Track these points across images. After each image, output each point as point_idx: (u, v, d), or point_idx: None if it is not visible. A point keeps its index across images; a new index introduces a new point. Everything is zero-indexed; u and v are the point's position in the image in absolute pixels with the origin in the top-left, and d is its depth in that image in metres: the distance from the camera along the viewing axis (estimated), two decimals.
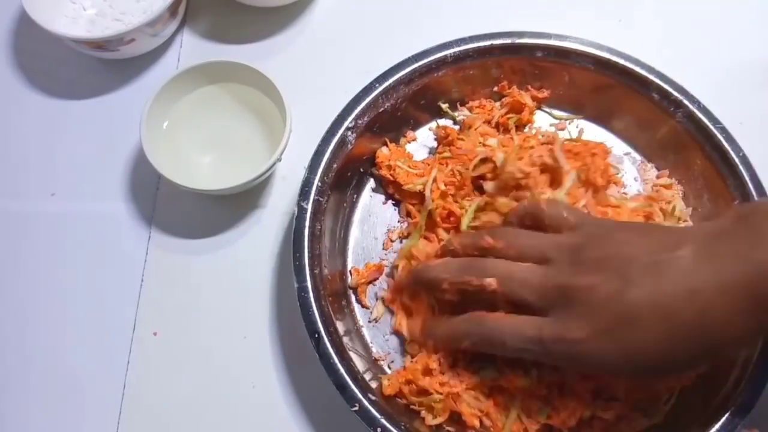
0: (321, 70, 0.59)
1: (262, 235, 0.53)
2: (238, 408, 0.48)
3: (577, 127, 0.55)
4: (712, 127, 0.50)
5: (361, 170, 0.53)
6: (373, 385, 0.45)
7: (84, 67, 0.59)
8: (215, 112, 0.54)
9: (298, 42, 0.60)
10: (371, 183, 0.54)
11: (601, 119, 0.55)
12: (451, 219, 0.49)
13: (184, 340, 0.50)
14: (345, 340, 0.46)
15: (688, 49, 0.59)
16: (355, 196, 0.53)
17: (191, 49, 0.60)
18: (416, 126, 0.55)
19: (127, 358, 0.49)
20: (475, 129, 0.53)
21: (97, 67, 0.59)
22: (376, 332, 0.49)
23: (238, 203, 0.54)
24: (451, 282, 0.43)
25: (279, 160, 0.51)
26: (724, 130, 0.49)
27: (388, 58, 0.52)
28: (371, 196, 0.53)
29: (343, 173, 0.50)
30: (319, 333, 0.44)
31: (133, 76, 0.59)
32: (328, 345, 0.44)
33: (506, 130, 0.54)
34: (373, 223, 0.53)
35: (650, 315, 0.36)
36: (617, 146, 0.54)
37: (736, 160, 0.49)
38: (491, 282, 0.41)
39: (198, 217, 0.54)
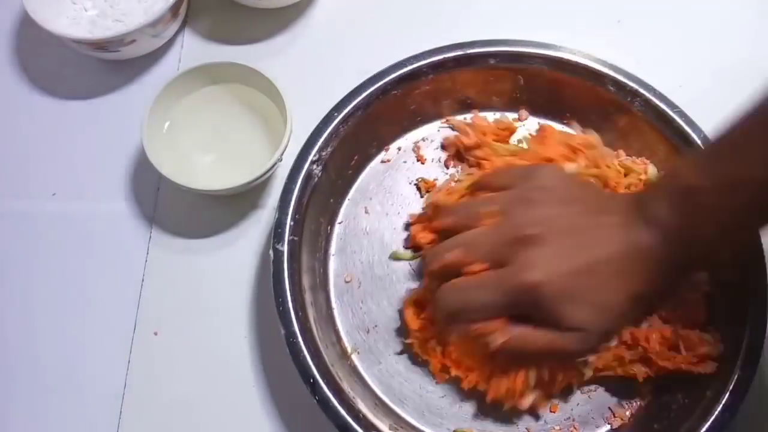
0: (321, 71, 0.59)
1: (263, 235, 0.53)
2: (238, 408, 0.48)
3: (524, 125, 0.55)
4: (670, 112, 0.50)
5: (331, 200, 0.52)
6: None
7: (85, 67, 0.59)
8: (216, 112, 0.54)
9: (299, 43, 0.61)
10: (343, 210, 0.53)
11: (561, 117, 0.55)
12: None
13: (185, 340, 0.50)
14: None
15: (676, 54, 0.60)
16: (329, 227, 0.52)
17: (192, 49, 0.60)
18: (383, 144, 0.55)
19: (127, 357, 0.49)
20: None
21: (98, 67, 0.59)
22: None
23: (238, 203, 0.54)
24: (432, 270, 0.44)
25: (280, 160, 0.51)
26: (682, 114, 0.50)
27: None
28: (345, 225, 0.53)
29: (315, 207, 0.50)
30: (314, 378, 0.43)
31: (135, 77, 0.59)
32: (325, 389, 0.43)
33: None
34: (351, 252, 0.52)
35: (591, 268, 0.40)
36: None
37: (698, 141, 0.49)
38: (455, 254, 0.42)
39: (199, 217, 0.54)
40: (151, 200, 0.54)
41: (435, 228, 0.48)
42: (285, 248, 0.46)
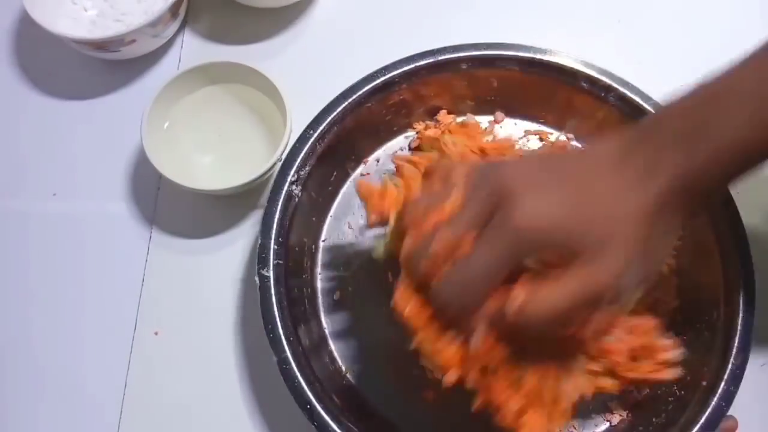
0: (321, 71, 0.59)
1: None
2: (239, 407, 0.48)
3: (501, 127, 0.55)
4: (645, 105, 0.50)
5: (314, 219, 0.52)
6: None
7: (85, 67, 0.59)
8: (216, 112, 0.54)
9: (298, 43, 0.61)
10: (326, 228, 0.52)
11: (536, 116, 0.55)
12: None
13: (185, 340, 0.50)
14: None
15: (677, 53, 0.60)
16: (314, 246, 0.52)
17: (192, 49, 0.60)
18: (361, 157, 0.54)
19: (128, 357, 0.50)
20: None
21: (98, 67, 0.59)
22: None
23: (238, 203, 0.54)
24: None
25: (280, 160, 0.51)
26: (658, 106, 0.49)
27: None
28: (330, 243, 0.52)
29: (297, 227, 0.49)
30: (311, 404, 0.42)
31: (134, 77, 0.59)
32: (323, 413, 0.42)
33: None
34: (338, 270, 0.51)
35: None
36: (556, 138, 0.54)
37: None
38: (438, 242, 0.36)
39: (199, 217, 0.54)
40: (151, 200, 0.54)
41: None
42: (271, 273, 0.45)
